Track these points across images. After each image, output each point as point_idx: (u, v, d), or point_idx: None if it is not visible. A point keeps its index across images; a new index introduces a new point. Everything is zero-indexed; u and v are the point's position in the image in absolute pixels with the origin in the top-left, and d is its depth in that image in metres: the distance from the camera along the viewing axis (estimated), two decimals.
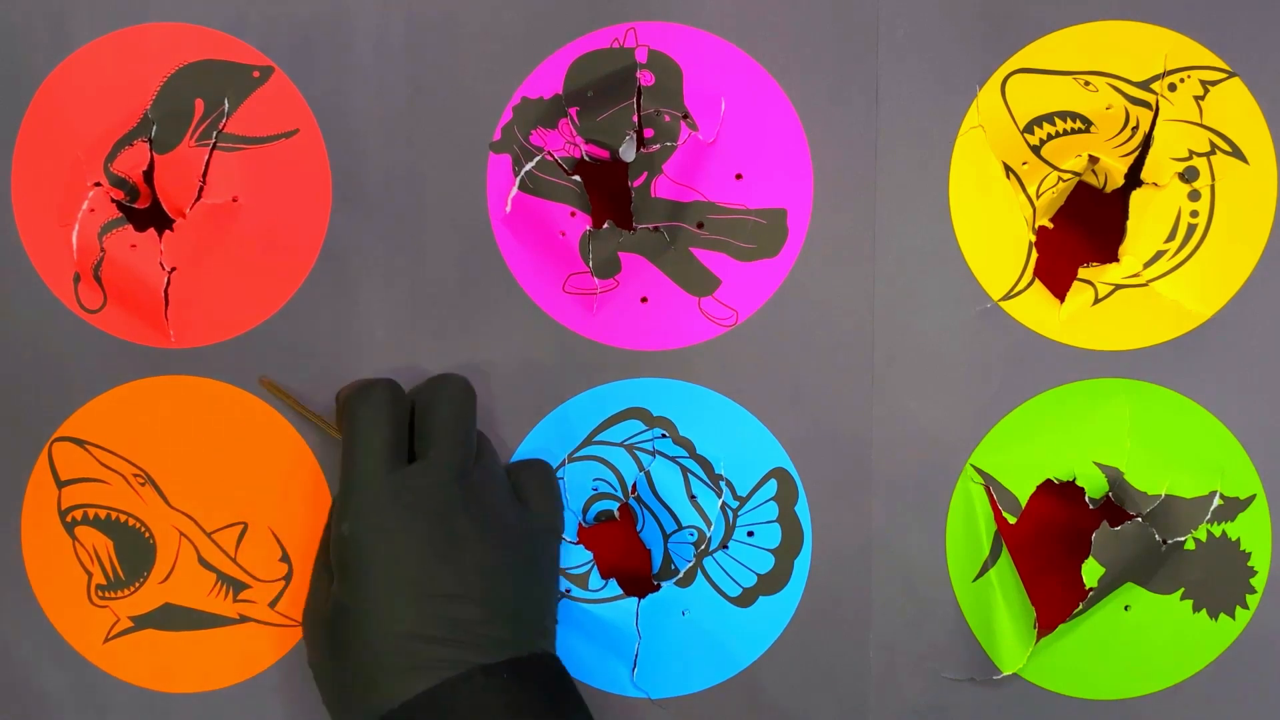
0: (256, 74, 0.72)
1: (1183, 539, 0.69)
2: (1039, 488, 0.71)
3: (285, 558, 0.73)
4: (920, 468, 0.71)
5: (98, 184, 0.72)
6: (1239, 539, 0.70)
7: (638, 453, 0.72)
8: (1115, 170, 0.69)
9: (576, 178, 0.71)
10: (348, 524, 0.64)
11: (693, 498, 0.71)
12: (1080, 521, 0.73)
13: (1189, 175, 0.69)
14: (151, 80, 0.72)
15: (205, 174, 0.72)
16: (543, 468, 0.71)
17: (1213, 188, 0.69)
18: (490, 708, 0.61)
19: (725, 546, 0.72)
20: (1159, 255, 0.69)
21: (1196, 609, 0.71)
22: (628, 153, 0.70)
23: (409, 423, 0.68)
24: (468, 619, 0.62)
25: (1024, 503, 0.71)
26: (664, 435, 0.71)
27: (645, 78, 0.70)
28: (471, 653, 0.62)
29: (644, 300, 0.71)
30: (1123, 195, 0.70)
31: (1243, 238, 0.69)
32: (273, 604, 0.73)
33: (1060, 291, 0.70)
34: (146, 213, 0.73)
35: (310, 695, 0.68)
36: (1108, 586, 0.69)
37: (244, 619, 0.74)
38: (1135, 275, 0.70)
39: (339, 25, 0.71)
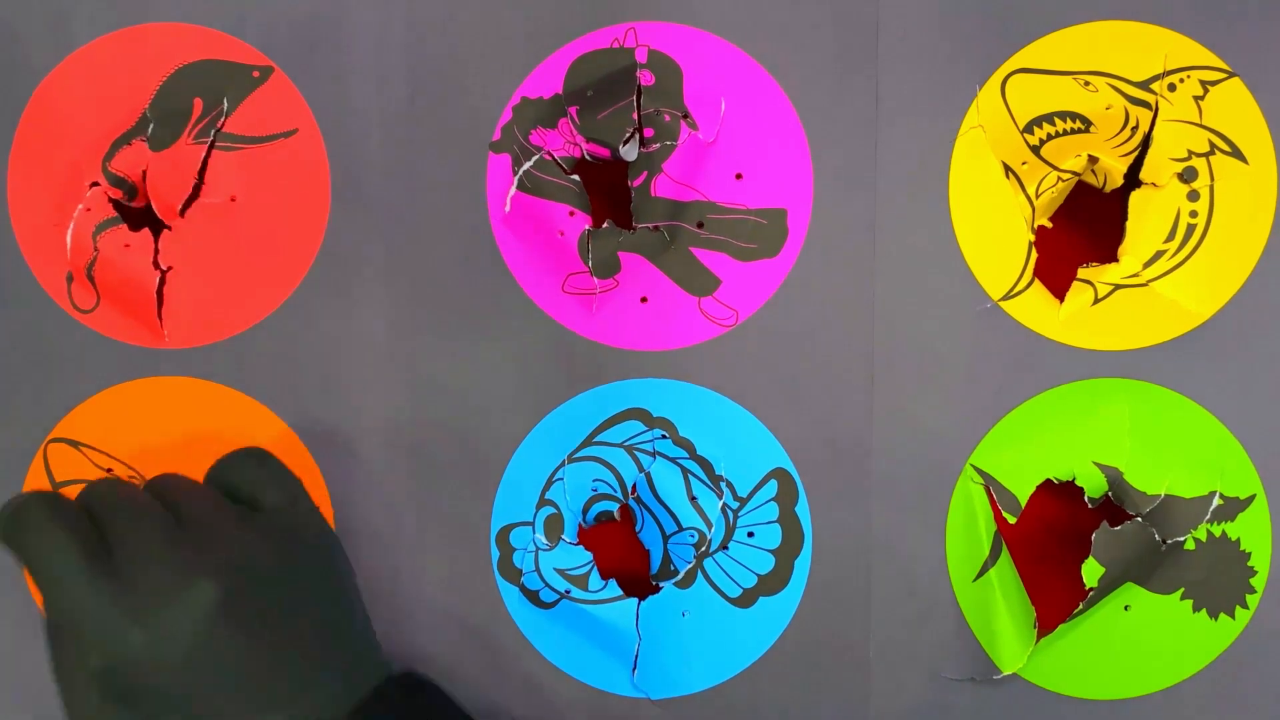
0: (256, 74, 0.72)
1: (1183, 539, 0.70)
2: (1039, 488, 0.71)
3: None
4: (920, 468, 0.71)
5: (95, 184, 0.72)
6: (1239, 539, 0.70)
7: (638, 453, 0.72)
8: (1115, 170, 0.69)
9: (576, 177, 0.71)
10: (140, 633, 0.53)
11: (693, 499, 0.71)
12: (1080, 521, 0.73)
13: (1188, 175, 0.69)
14: (151, 80, 0.72)
15: (202, 173, 0.71)
16: (247, 457, 0.63)
17: (1212, 188, 0.69)
18: None
19: (725, 547, 0.72)
20: (1159, 255, 0.70)
21: (1196, 609, 0.71)
22: (630, 153, 0.70)
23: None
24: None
25: (1024, 503, 0.71)
26: (664, 436, 0.71)
27: (645, 78, 0.70)
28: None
29: (644, 300, 0.71)
30: (1122, 195, 0.70)
31: (1242, 238, 0.69)
32: None
33: (1060, 291, 0.70)
34: (144, 212, 0.72)
35: None
36: (1108, 586, 0.69)
37: None
38: (1135, 275, 0.70)
39: (339, 25, 0.71)
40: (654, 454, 0.71)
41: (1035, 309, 0.70)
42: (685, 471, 0.71)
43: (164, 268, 0.72)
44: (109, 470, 0.73)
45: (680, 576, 0.71)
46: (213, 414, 0.73)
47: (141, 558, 0.54)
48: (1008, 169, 0.70)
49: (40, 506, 0.55)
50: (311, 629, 0.58)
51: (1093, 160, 0.70)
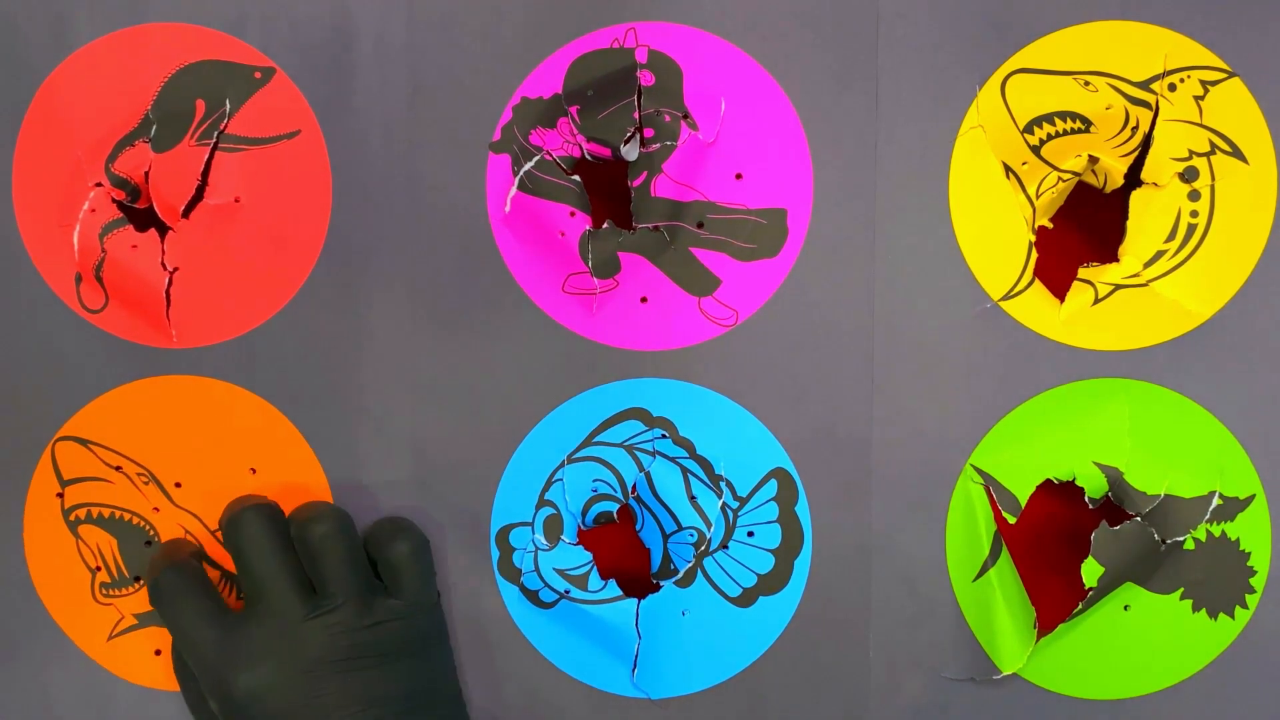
0: (258, 75, 0.72)
1: (1182, 539, 0.69)
2: (1039, 488, 0.71)
3: None
4: (920, 468, 0.71)
5: (99, 184, 0.72)
6: (1238, 539, 0.70)
7: (638, 453, 0.72)
8: (1115, 170, 0.69)
9: (576, 177, 0.71)
10: (248, 677, 0.65)
11: (693, 498, 0.71)
12: (1080, 521, 0.73)
13: (1189, 175, 0.69)
14: (152, 80, 0.72)
15: (206, 174, 0.72)
16: (417, 548, 0.70)
17: (1213, 188, 0.69)
18: None
19: (725, 547, 0.72)
20: (1159, 255, 0.69)
21: (1196, 609, 0.71)
22: (630, 152, 0.70)
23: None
24: None
25: (1024, 503, 0.71)
26: (664, 436, 0.71)
27: (645, 78, 0.70)
28: None
29: (644, 300, 0.71)
30: (1123, 195, 0.70)
31: (1243, 238, 0.69)
32: None
33: (1060, 291, 0.70)
34: (148, 213, 0.73)
35: None
36: (1108, 586, 0.69)
37: None
38: (1135, 275, 0.70)
39: (339, 25, 0.72)
40: (654, 454, 0.72)
41: (1035, 309, 0.70)
42: (685, 471, 0.71)
43: (170, 268, 0.72)
44: (118, 468, 0.74)
45: (680, 575, 0.71)
46: (219, 412, 0.73)
47: (255, 620, 0.67)
48: (1008, 169, 0.70)
49: (173, 581, 0.69)
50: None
51: (1093, 160, 0.70)
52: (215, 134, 0.72)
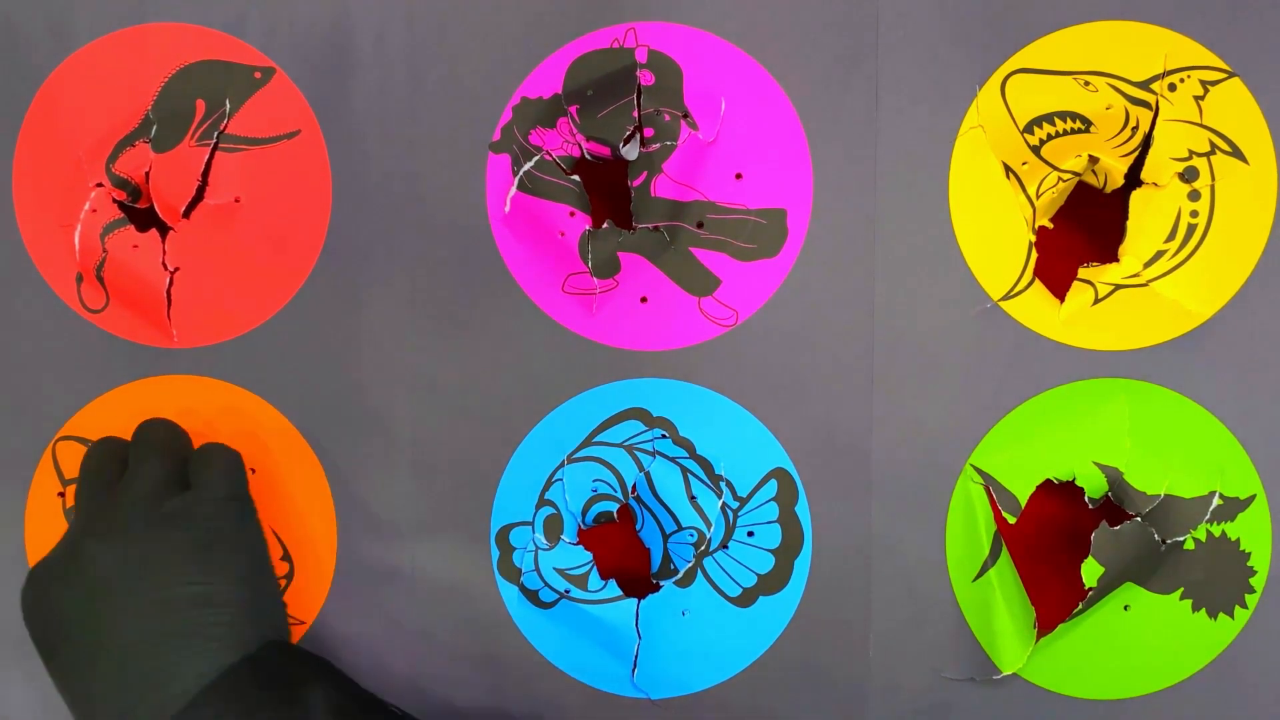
0: (258, 75, 0.72)
1: (1182, 539, 0.69)
2: (1039, 488, 0.71)
3: (286, 556, 0.73)
4: (920, 468, 0.71)
5: (100, 184, 0.72)
6: (1239, 539, 0.70)
7: (638, 453, 0.72)
8: (1115, 170, 0.69)
9: (575, 177, 0.71)
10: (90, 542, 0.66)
11: (693, 498, 0.71)
12: (1080, 521, 0.73)
13: (1189, 175, 0.69)
14: (153, 81, 0.72)
15: (206, 174, 0.72)
16: (206, 448, 0.71)
17: (1213, 188, 0.69)
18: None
19: (725, 547, 0.72)
20: (1159, 255, 0.69)
21: (1196, 609, 0.71)
22: (630, 152, 0.70)
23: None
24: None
25: (1024, 503, 0.70)
26: (664, 436, 0.71)
27: (645, 77, 0.70)
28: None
29: (644, 300, 0.71)
30: (1123, 195, 0.70)
31: (1243, 238, 0.69)
32: None
33: (1060, 291, 0.70)
34: (148, 213, 0.73)
35: None
36: (1108, 586, 0.69)
37: None
38: (1135, 275, 0.70)
39: (339, 26, 0.72)
40: (654, 454, 0.72)
41: (1035, 309, 0.70)
42: (685, 471, 0.71)
43: (171, 268, 0.72)
44: None
45: (680, 575, 0.71)
46: (219, 411, 0.74)
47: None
48: (1008, 169, 0.70)
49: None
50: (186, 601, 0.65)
51: (1093, 160, 0.70)
52: (215, 134, 0.72)
